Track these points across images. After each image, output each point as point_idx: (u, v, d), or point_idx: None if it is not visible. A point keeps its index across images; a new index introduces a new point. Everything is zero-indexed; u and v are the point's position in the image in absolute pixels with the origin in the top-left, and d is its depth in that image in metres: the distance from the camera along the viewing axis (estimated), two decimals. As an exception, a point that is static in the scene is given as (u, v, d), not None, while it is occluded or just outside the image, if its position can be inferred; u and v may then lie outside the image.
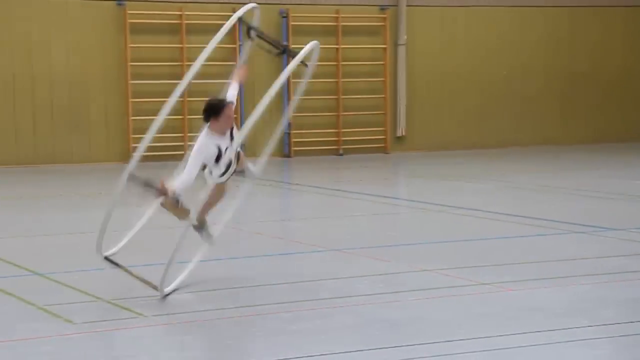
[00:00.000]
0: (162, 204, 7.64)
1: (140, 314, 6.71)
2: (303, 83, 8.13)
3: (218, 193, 7.73)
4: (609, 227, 10.20)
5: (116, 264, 7.35)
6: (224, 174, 7.53)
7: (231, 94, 8.05)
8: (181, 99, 18.67)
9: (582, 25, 21.58)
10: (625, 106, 22.11)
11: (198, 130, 7.68)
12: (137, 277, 7.30)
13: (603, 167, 17.45)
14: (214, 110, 7.52)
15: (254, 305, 6.99)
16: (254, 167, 8.05)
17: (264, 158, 8.10)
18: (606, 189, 13.67)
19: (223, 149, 7.44)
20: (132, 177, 7.30)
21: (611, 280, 7.67)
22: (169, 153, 18.77)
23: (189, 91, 18.70)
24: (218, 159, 7.44)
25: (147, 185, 7.24)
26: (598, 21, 21.71)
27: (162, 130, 8.01)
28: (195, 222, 7.60)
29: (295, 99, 8.64)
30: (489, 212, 10.61)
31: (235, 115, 7.82)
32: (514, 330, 6.22)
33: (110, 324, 6.48)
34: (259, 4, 20.14)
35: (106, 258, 7.34)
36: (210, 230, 7.93)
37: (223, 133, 7.49)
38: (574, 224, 10.40)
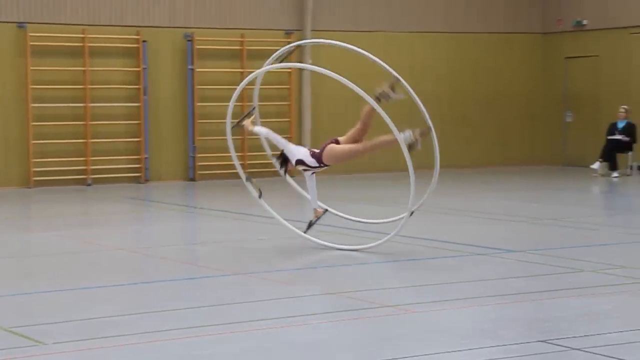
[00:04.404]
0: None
1: (40, 342, 6.56)
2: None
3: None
4: (508, 249, 10.42)
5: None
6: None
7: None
8: (83, 123, 18.42)
9: (484, 51, 22.09)
10: (527, 131, 22.67)
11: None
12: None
13: (503, 189, 17.83)
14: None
15: (158, 331, 6.91)
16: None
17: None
18: (506, 212, 13.96)
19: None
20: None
21: (511, 301, 7.82)
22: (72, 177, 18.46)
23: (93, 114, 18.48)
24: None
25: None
26: (499, 47, 22.26)
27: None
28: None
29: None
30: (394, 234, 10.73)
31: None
32: (419, 352, 6.28)
33: (7, 352, 6.32)
34: (163, 27, 20.09)
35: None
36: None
37: None
38: (475, 245, 10.59)
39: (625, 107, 20.19)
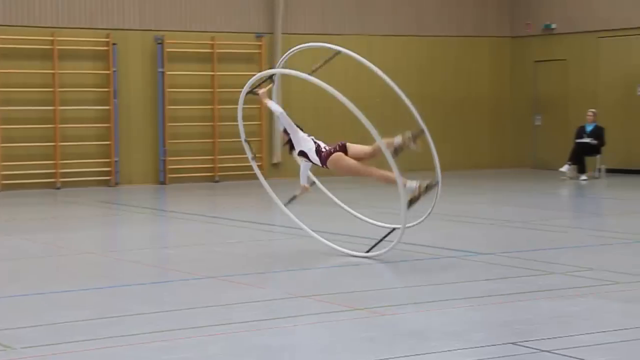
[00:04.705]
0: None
1: (8, 347, 6.51)
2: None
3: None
4: (478, 251, 10.47)
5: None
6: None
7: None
8: (52, 126, 18.30)
9: (453, 55, 22.19)
10: (496, 134, 22.79)
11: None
12: None
13: (473, 192, 17.91)
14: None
15: (128, 335, 6.87)
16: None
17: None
18: (476, 214, 14.02)
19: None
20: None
21: (482, 303, 7.86)
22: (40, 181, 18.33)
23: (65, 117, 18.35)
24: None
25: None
26: (468, 51, 22.36)
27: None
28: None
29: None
30: (361, 237, 10.74)
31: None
32: (389, 354, 6.30)
33: (-23, 357, 6.27)
34: (133, 30, 19.94)
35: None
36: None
37: None
38: (445, 248, 10.62)
39: (593, 110, 20.35)
